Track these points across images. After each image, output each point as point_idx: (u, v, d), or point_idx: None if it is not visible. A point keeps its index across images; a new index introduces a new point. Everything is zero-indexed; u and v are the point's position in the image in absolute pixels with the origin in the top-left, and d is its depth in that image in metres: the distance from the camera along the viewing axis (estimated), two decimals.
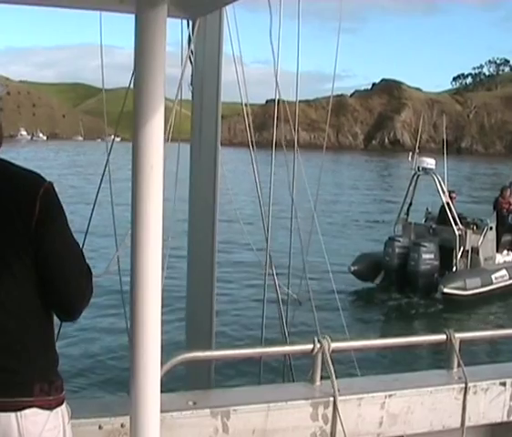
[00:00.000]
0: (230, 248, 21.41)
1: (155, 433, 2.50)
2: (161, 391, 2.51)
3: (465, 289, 18.72)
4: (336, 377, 3.82)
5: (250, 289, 17.49)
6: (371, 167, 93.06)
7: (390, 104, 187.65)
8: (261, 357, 5.00)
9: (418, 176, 20.74)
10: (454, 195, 21.02)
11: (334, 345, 3.93)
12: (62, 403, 2.55)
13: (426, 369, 4.73)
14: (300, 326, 7.63)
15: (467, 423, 4.20)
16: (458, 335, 4.32)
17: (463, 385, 4.18)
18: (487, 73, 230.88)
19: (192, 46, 4.45)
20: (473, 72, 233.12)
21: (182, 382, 4.67)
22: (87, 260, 2.60)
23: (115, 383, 11.09)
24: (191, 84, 4.62)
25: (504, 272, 20.22)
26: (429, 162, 20.42)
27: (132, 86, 2.52)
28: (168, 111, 2.55)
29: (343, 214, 37.71)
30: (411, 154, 20.65)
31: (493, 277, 19.77)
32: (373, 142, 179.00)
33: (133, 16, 2.33)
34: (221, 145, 4.76)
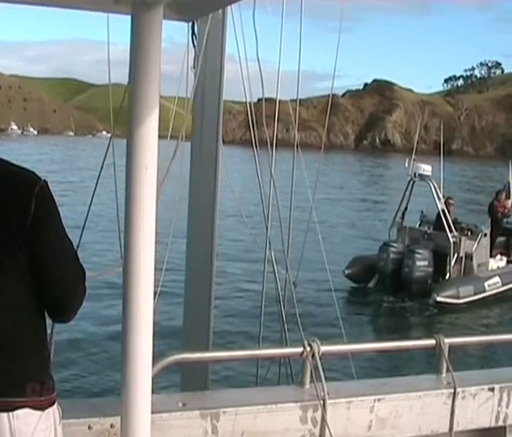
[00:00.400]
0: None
1: (146, 434, 2.50)
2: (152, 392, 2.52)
3: (458, 297, 18.90)
4: (326, 380, 3.84)
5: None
6: (362, 168, 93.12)
7: (381, 104, 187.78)
8: (257, 360, 5.01)
9: (414, 182, 20.83)
10: (451, 201, 21.13)
11: (324, 348, 3.93)
12: (53, 404, 2.55)
13: (417, 373, 4.73)
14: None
15: (456, 428, 4.22)
16: (447, 340, 4.33)
17: (451, 390, 4.20)
18: (479, 75, 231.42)
19: (196, 48, 4.46)
20: (464, 74, 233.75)
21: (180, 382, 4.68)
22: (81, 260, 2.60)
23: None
24: (193, 66, 4.59)
25: (497, 279, 20.39)
26: (425, 169, 20.57)
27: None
28: (162, 110, 2.55)
29: (334, 213, 37.79)
30: (407, 160, 20.72)
31: (486, 284, 19.95)
32: (365, 142, 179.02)
33: (126, 17, 2.33)
34: None
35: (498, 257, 21.90)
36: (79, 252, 2.75)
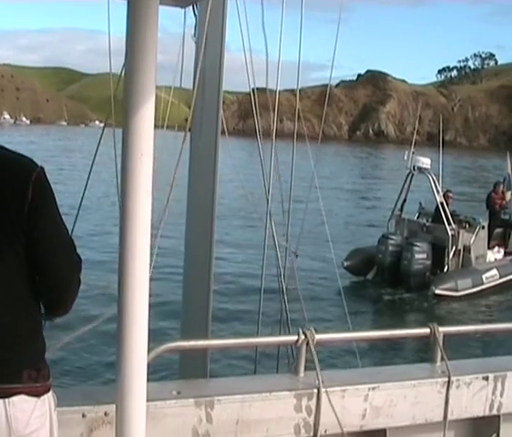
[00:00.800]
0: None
1: (141, 421, 2.50)
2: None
3: (456, 290, 19.03)
4: (320, 368, 3.84)
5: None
6: (355, 160, 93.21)
7: (375, 95, 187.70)
8: (256, 346, 4.99)
9: (413, 175, 20.87)
10: (451, 194, 21.18)
11: (319, 337, 3.93)
12: (49, 391, 2.55)
13: (412, 362, 4.75)
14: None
15: (450, 417, 4.22)
16: (442, 329, 4.34)
17: (446, 379, 4.20)
18: (473, 66, 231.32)
19: (196, 35, 4.44)
20: (458, 65, 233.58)
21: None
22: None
23: None
24: (194, 35, 4.56)
25: (494, 272, 20.52)
26: (424, 162, 20.61)
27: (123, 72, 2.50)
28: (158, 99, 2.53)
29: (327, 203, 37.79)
30: (407, 153, 20.74)
31: (484, 277, 20.08)
32: (358, 133, 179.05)
33: (122, 2, 2.32)
34: None
35: (496, 249, 22.01)
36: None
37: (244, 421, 3.64)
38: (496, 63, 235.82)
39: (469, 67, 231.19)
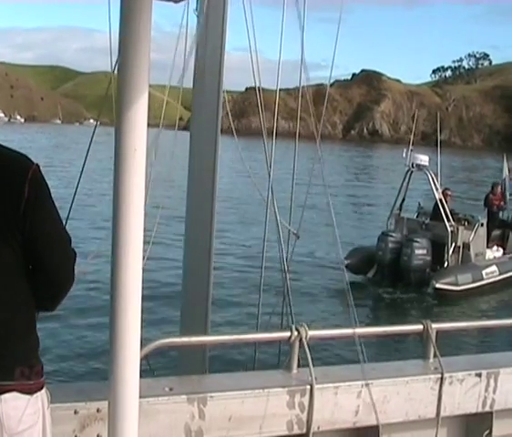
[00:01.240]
0: None
1: (133, 417, 2.49)
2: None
3: (456, 284, 19.05)
4: (313, 365, 3.84)
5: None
6: (350, 159, 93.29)
7: (369, 94, 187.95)
8: (255, 342, 4.98)
9: (412, 172, 20.91)
10: (449, 192, 21.24)
11: (312, 333, 3.93)
12: (42, 388, 2.53)
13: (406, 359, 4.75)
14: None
15: (443, 414, 4.23)
16: (435, 326, 4.35)
17: (439, 375, 4.21)
18: (467, 66, 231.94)
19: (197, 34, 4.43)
20: (452, 65, 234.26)
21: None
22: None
23: None
24: (196, 9, 4.55)
25: (494, 268, 20.56)
26: (423, 159, 20.62)
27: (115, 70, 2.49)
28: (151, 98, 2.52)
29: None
30: (405, 150, 20.77)
31: (483, 272, 20.10)
32: (352, 132, 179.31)
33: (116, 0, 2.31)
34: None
35: (495, 248, 22.07)
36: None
37: (237, 418, 3.64)
38: (491, 63, 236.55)
39: (464, 67, 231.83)
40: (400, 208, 21.66)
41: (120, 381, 2.44)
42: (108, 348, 2.46)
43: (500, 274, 20.63)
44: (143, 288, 2.45)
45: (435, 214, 20.60)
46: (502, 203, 22.90)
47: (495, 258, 21.59)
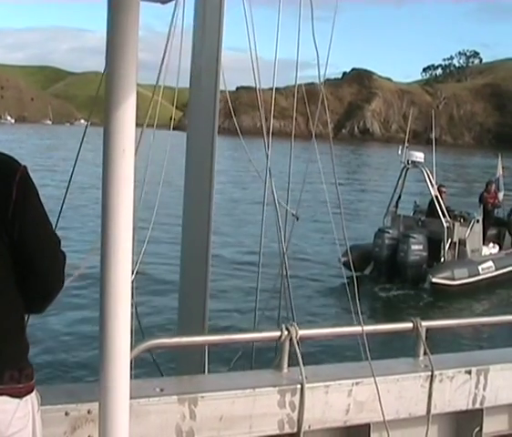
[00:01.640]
0: None
1: (124, 418, 2.49)
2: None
3: (453, 279, 19.17)
4: (304, 364, 3.84)
5: None
6: (341, 157, 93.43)
7: (360, 93, 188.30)
8: (252, 343, 4.97)
9: (407, 169, 20.96)
10: (444, 189, 21.35)
11: (302, 332, 3.93)
12: (32, 391, 2.51)
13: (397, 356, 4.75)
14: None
15: (433, 411, 4.24)
16: (425, 323, 4.35)
17: (429, 373, 4.22)
18: (457, 64, 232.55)
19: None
20: (443, 63, 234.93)
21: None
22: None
23: None
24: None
25: (490, 263, 20.69)
26: (418, 156, 20.72)
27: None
28: (140, 97, 2.52)
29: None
30: (400, 147, 20.83)
31: (480, 268, 20.23)
32: (343, 131, 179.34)
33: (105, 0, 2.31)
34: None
35: (491, 244, 22.18)
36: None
37: (228, 418, 3.64)
38: (481, 61, 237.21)
39: (454, 66, 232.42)
40: (396, 206, 21.73)
41: (111, 382, 2.44)
42: (98, 349, 2.46)
43: (497, 270, 20.75)
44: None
45: (431, 211, 20.71)
46: (497, 201, 23.01)
47: (491, 254, 21.69)
